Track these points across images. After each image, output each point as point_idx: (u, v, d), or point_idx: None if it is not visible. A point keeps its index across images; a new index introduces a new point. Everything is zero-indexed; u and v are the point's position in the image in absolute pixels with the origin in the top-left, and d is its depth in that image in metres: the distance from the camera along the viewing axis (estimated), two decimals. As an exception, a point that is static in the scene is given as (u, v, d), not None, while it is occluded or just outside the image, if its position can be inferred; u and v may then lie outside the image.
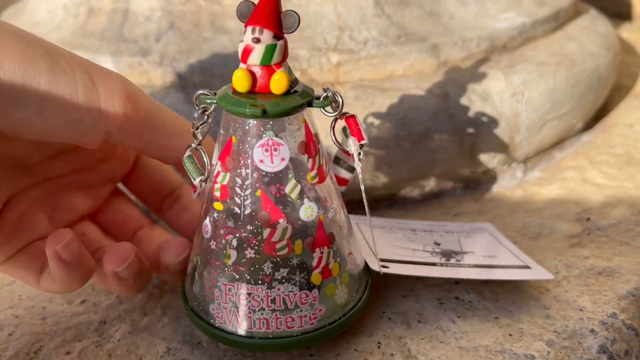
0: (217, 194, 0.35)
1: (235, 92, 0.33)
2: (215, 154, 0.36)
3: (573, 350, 0.39)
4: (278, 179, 0.34)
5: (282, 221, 0.34)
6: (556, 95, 0.57)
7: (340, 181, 0.39)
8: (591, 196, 0.55)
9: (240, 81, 0.33)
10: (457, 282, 0.45)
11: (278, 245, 0.34)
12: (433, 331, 0.40)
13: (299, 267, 0.35)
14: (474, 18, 0.58)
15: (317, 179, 0.35)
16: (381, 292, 0.44)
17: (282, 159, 0.33)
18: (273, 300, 0.34)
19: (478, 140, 0.54)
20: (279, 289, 0.34)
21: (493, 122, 0.54)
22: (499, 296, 0.43)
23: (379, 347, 0.39)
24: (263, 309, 0.35)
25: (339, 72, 0.54)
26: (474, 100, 0.53)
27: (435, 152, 0.53)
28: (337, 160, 0.39)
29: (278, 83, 0.32)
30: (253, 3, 0.32)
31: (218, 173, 0.35)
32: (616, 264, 0.46)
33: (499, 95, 0.54)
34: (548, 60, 0.58)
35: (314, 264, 0.35)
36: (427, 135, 0.52)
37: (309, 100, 0.34)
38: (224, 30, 0.55)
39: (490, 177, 0.57)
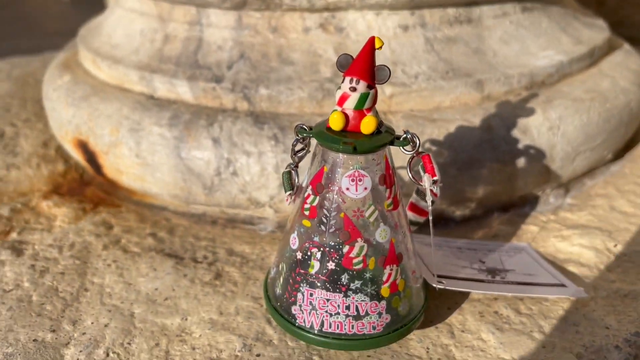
0: (307, 212, 0.41)
1: (329, 129, 0.40)
2: (307, 179, 0.42)
3: (599, 363, 0.44)
4: (360, 204, 0.40)
5: (360, 240, 0.40)
6: (589, 129, 0.62)
7: (420, 212, 0.45)
8: (619, 224, 0.60)
9: (336, 121, 0.39)
10: (496, 297, 0.50)
11: (355, 261, 0.40)
12: (474, 341, 0.46)
13: (371, 281, 0.41)
14: (516, 56, 0.64)
15: (392, 206, 0.41)
16: (430, 304, 0.50)
17: (365, 188, 0.40)
18: (348, 307, 0.41)
19: (517, 169, 0.59)
20: (353, 298, 0.40)
21: (531, 152, 0.59)
22: (532, 312, 0.49)
23: (427, 352, 0.45)
24: (339, 313, 0.41)
25: (391, 103, 0.60)
26: (514, 133, 0.59)
27: (478, 179, 0.59)
28: (418, 192, 0.45)
29: (368, 125, 0.39)
30: (352, 57, 0.39)
31: (308, 195, 0.41)
32: (640, 288, 0.51)
33: (536, 129, 0.60)
34: (583, 96, 0.64)
35: (384, 278, 0.41)
36: (471, 163, 0.58)
37: (391, 140, 0.40)
38: (289, 62, 0.61)
39: (526, 202, 0.63)
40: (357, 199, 0.40)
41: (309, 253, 0.41)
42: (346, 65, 0.39)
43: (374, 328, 0.41)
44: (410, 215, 0.48)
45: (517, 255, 0.53)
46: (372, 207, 0.41)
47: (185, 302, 0.51)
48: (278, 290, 0.44)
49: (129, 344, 0.47)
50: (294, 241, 0.42)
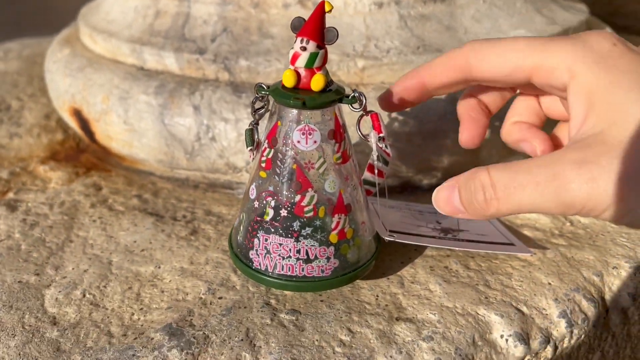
0: (263, 165, 0.45)
1: (283, 87, 0.43)
2: (264, 134, 0.46)
3: (537, 314, 0.47)
4: (310, 156, 0.43)
5: (310, 190, 0.44)
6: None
7: (379, 173, 0.48)
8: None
9: (288, 79, 0.43)
10: (448, 254, 0.53)
11: (306, 209, 0.44)
12: (422, 291, 0.49)
13: (320, 228, 0.44)
14: (487, 33, 0.67)
15: (341, 160, 0.45)
16: (384, 258, 0.53)
17: (315, 142, 0.43)
18: (298, 251, 0.44)
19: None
20: (303, 243, 0.44)
21: (494, 125, 0.62)
22: (481, 268, 0.52)
23: (376, 299, 0.48)
24: (290, 256, 0.44)
25: (363, 75, 0.63)
26: (479, 106, 0.62)
27: (442, 149, 0.62)
28: (378, 158, 0.48)
29: (317, 82, 0.42)
30: (304, 19, 0.42)
31: (265, 149, 0.45)
32: (588, 253, 0.54)
33: (501, 102, 0.62)
34: (550, 73, 0.66)
35: (333, 226, 0.45)
36: (436, 133, 0.61)
37: (340, 97, 0.43)
38: (269, 35, 0.65)
39: (491, 173, 0.66)
40: (308, 152, 0.44)
41: (264, 202, 0.45)
42: (299, 27, 0.43)
43: (322, 271, 0.45)
44: (369, 176, 0.51)
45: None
46: (322, 160, 0.44)
47: (160, 253, 0.55)
48: (239, 238, 0.48)
49: (104, 287, 0.51)
50: (252, 192, 0.46)
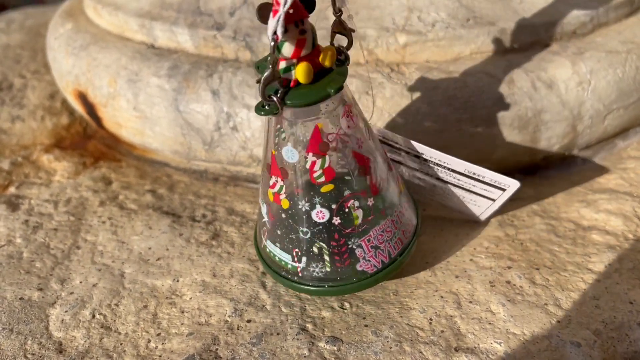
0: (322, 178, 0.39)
1: (297, 83, 0.37)
2: (292, 151, 0.39)
3: (620, 341, 0.40)
4: (359, 133, 0.40)
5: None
6: (624, 85, 0.57)
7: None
8: (651, 189, 0.55)
9: (307, 74, 0.36)
10: (509, 266, 0.46)
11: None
12: (483, 313, 0.42)
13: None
14: (545, 2, 0.58)
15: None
16: (436, 272, 0.46)
17: (356, 116, 0.40)
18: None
19: (539, 127, 0.55)
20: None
21: (556, 110, 0.54)
22: (549, 283, 0.45)
23: (430, 323, 0.41)
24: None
25: (405, 53, 0.55)
26: (539, 87, 0.54)
27: (496, 137, 0.54)
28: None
29: (332, 57, 0.37)
30: (271, 3, 0.34)
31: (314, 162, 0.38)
32: (671, 260, 0.47)
33: (564, 83, 0.54)
34: (619, 48, 0.58)
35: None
36: (490, 121, 0.53)
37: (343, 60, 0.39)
38: (296, 8, 0.57)
39: (549, 163, 0.58)
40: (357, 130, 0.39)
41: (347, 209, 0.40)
42: (267, 15, 0.34)
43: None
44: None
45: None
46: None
47: (179, 262, 0.49)
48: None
49: (116, 305, 0.45)
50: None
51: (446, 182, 0.48)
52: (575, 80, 0.55)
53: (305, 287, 0.41)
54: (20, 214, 0.55)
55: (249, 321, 0.42)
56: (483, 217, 0.51)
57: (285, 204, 0.40)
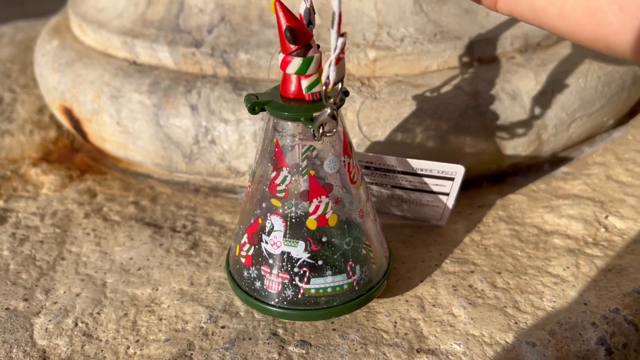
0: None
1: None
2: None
3: (573, 340, 0.42)
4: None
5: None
6: (586, 94, 0.59)
7: None
8: (613, 194, 0.57)
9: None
10: (472, 271, 0.49)
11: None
12: (445, 316, 0.45)
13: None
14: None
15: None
16: (402, 276, 0.48)
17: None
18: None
19: (505, 136, 0.57)
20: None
21: (520, 119, 0.57)
22: (509, 286, 0.47)
23: (394, 326, 0.44)
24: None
25: (375, 67, 0.57)
26: (503, 99, 0.56)
27: (463, 147, 0.56)
28: None
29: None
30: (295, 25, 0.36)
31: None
32: (627, 262, 0.49)
33: (527, 94, 0.57)
34: (581, 59, 0.60)
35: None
36: (456, 131, 0.56)
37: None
38: (271, 24, 0.59)
39: (517, 170, 0.60)
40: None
41: None
42: (296, 37, 0.36)
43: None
44: None
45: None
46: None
47: (158, 272, 0.51)
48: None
49: (98, 313, 0.47)
50: None
51: (405, 189, 0.51)
52: (538, 90, 0.57)
53: (363, 296, 0.42)
54: (8, 227, 0.58)
55: (223, 327, 0.44)
56: (444, 219, 0.53)
57: (333, 221, 0.40)
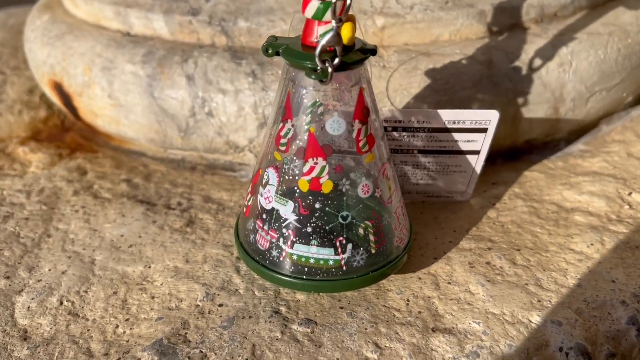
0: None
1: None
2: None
3: (602, 319, 0.39)
4: None
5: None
6: (606, 66, 0.56)
7: None
8: (635, 170, 0.54)
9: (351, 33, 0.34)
10: (489, 247, 0.45)
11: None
12: (461, 293, 0.41)
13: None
14: (525, -16, 0.57)
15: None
16: (414, 253, 0.45)
17: None
18: None
19: (521, 110, 0.54)
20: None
21: (537, 92, 0.53)
22: (530, 263, 0.44)
23: (407, 304, 0.40)
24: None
25: (383, 36, 0.54)
26: (519, 69, 0.53)
27: (477, 120, 0.53)
28: None
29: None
30: None
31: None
32: (654, 239, 0.46)
33: (544, 65, 0.53)
34: (600, 30, 0.57)
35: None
36: (469, 102, 0.52)
37: None
38: (272, -8, 0.56)
39: (531, 147, 0.57)
40: None
41: None
42: None
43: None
44: None
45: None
46: None
47: (151, 249, 0.47)
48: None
49: (85, 291, 0.43)
50: None
51: (432, 152, 0.47)
52: (556, 61, 0.54)
53: (354, 279, 0.38)
54: (-9, 204, 0.54)
55: (220, 305, 0.41)
56: (469, 190, 0.50)
57: (328, 187, 0.37)
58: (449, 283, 0.42)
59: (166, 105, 0.55)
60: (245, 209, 0.41)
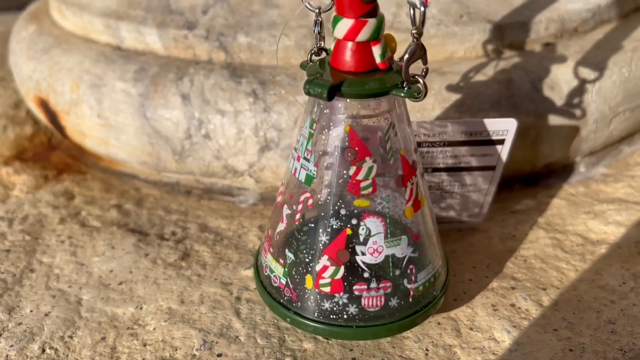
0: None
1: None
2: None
3: (640, 371, 0.35)
4: None
5: None
6: (630, 85, 0.52)
7: None
8: (663, 198, 0.50)
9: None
10: (513, 287, 0.41)
11: None
12: (485, 341, 0.37)
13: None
14: (543, -3, 0.54)
15: None
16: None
17: None
18: None
19: (541, 132, 0.50)
20: None
21: (559, 112, 0.50)
22: (558, 305, 0.40)
23: (425, 354, 0.36)
24: None
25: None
26: (540, 89, 0.49)
27: (494, 143, 0.49)
28: None
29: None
30: None
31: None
32: (691, 277, 0.42)
33: (567, 84, 0.50)
34: (624, 45, 0.53)
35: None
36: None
37: None
38: (274, 4, 0.52)
39: (551, 171, 0.53)
40: None
41: None
42: None
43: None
44: None
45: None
46: None
47: (143, 287, 0.43)
48: None
49: (70, 337, 0.39)
50: None
51: (447, 170, 0.44)
52: (579, 80, 0.50)
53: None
54: (-30, 233, 0.50)
55: (219, 355, 0.37)
56: (483, 211, 0.46)
57: (424, 202, 0.35)
58: (471, 329, 0.38)
59: (160, 126, 0.51)
60: (329, 288, 0.34)
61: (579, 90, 0.50)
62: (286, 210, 0.35)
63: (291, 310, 0.35)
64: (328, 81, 0.30)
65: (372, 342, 0.37)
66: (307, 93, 0.30)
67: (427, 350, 0.37)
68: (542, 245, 0.46)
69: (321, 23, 0.34)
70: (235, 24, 0.52)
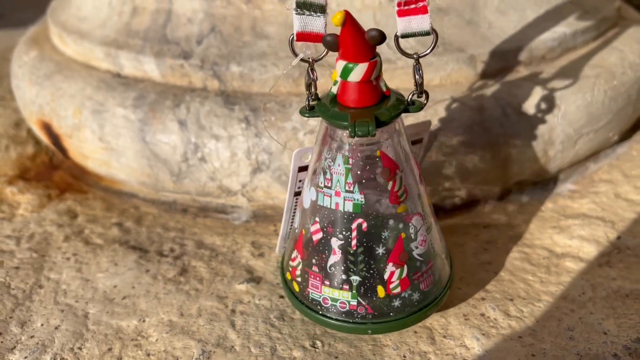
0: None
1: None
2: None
3: (595, 373, 0.39)
4: None
5: None
6: (593, 109, 0.57)
7: None
8: (623, 213, 0.55)
9: None
10: (483, 298, 0.46)
11: None
12: (457, 348, 0.41)
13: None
14: (514, 28, 0.58)
15: None
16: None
17: None
18: None
19: (511, 153, 0.54)
20: None
21: (527, 135, 0.54)
22: (523, 314, 0.44)
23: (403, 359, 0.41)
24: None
25: (375, 81, 0.54)
26: (510, 114, 0.54)
27: (467, 164, 0.53)
28: None
29: None
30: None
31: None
32: (644, 287, 0.46)
33: (534, 109, 0.54)
34: (587, 72, 0.58)
35: None
36: (461, 148, 0.53)
37: None
38: (264, 35, 0.56)
39: (523, 189, 0.58)
40: None
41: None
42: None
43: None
44: None
45: None
46: None
47: (145, 301, 0.47)
48: None
49: (79, 348, 0.43)
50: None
51: None
52: (545, 105, 0.55)
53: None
54: (-20, 251, 0.53)
55: (217, 363, 0.41)
56: None
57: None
58: (445, 337, 0.42)
59: (158, 150, 0.55)
60: (399, 288, 0.39)
61: (546, 114, 0.55)
62: (336, 242, 0.38)
63: (367, 323, 0.39)
64: (366, 120, 0.34)
65: (354, 349, 0.41)
66: (354, 135, 0.34)
67: (404, 356, 0.41)
68: (511, 259, 0.50)
69: (313, 70, 0.37)
70: (227, 53, 0.56)
